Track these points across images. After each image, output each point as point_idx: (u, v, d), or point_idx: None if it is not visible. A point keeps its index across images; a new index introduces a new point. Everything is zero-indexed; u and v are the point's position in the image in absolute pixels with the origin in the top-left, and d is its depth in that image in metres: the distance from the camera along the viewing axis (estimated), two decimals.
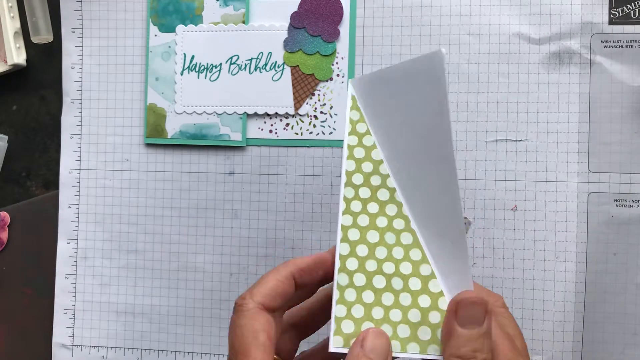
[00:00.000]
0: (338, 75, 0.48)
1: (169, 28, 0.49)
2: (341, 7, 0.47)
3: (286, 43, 0.47)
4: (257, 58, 0.48)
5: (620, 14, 0.46)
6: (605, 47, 0.46)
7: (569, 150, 0.46)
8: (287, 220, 0.50)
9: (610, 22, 0.46)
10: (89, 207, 0.52)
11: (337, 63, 0.47)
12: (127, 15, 0.51)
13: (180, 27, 0.49)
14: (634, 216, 0.46)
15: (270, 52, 0.48)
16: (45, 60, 0.53)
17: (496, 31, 0.47)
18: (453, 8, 0.47)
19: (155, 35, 0.49)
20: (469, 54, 0.47)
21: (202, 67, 0.48)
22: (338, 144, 0.48)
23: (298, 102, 0.47)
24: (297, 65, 0.47)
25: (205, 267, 0.51)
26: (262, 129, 0.48)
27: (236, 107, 0.48)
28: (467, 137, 0.47)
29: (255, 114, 0.48)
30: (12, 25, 0.51)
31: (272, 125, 0.48)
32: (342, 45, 0.47)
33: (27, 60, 0.53)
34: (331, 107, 0.48)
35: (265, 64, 0.48)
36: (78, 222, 0.52)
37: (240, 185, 0.50)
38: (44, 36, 0.52)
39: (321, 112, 0.48)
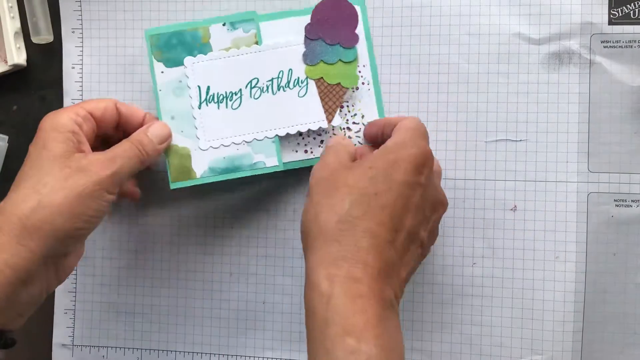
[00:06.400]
0: (364, 83, 0.46)
1: (176, 62, 0.45)
2: (355, 11, 0.45)
3: (305, 57, 0.45)
4: (278, 77, 0.45)
5: (620, 14, 0.46)
6: (605, 47, 0.46)
7: (569, 150, 0.46)
8: (287, 220, 0.50)
9: (610, 22, 0.46)
10: None
11: (360, 72, 0.46)
12: (126, 15, 0.51)
13: (188, 59, 0.45)
14: (633, 216, 0.46)
15: (291, 69, 0.45)
16: (45, 61, 0.53)
17: (496, 31, 0.47)
18: (453, 8, 0.47)
19: (162, 72, 0.45)
20: (468, 54, 0.47)
21: (221, 97, 0.45)
22: None
23: (330, 114, 0.45)
24: (321, 77, 0.45)
25: (205, 267, 0.51)
26: (296, 151, 0.46)
27: (266, 131, 0.45)
28: (467, 137, 0.47)
29: (288, 135, 0.45)
30: (12, 25, 0.51)
31: (306, 144, 0.46)
32: (361, 54, 0.46)
33: (28, 60, 0.53)
34: (362, 117, 0.46)
35: (288, 82, 0.45)
36: None
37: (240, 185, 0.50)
38: (44, 36, 0.52)
39: (354, 123, 0.46)
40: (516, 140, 0.47)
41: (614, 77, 0.46)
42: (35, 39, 0.52)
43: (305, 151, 0.46)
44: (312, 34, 0.45)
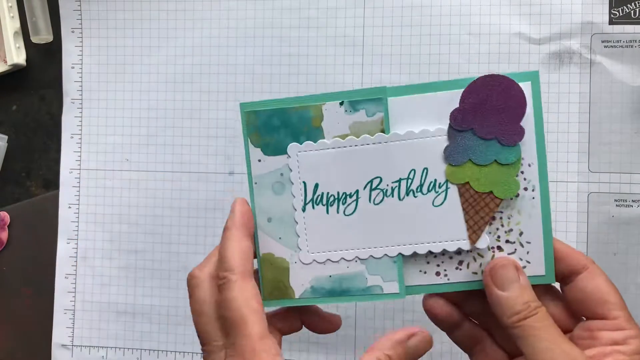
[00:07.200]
0: (526, 189, 0.33)
1: (277, 149, 0.35)
2: (523, 95, 0.33)
3: (448, 153, 0.33)
4: (407, 178, 0.34)
5: (621, 14, 0.46)
6: (605, 47, 0.46)
7: (569, 150, 0.46)
8: None
9: (611, 22, 0.46)
10: (89, 207, 0.52)
11: (522, 173, 0.33)
12: (126, 15, 0.51)
13: (293, 147, 0.35)
14: (634, 216, 0.46)
15: (426, 168, 0.34)
16: (45, 60, 0.53)
17: (496, 31, 0.47)
18: (453, 8, 0.47)
19: (260, 161, 0.35)
20: (469, 54, 0.47)
21: (332, 198, 0.35)
22: (532, 280, 0.33)
23: (474, 232, 0.34)
24: (467, 182, 0.34)
25: None
26: (425, 272, 0.35)
27: (386, 247, 0.35)
28: None
29: (415, 255, 0.34)
30: (12, 25, 0.51)
31: (438, 265, 0.35)
32: (527, 148, 0.33)
33: (27, 60, 0.53)
34: (521, 234, 0.34)
35: (421, 185, 0.34)
36: (78, 222, 0.52)
37: (240, 185, 0.50)
38: (43, 36, 0.52)
39: (507, 242, 0.34)
40: None
41: (615, 77, 0.46)
42: (34, 39, 0.52)
43: (437, 273, 0.35)
44: (460, 122, 0.33)
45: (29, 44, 0.53)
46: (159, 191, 0.51)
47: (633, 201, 0.46)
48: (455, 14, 0.47)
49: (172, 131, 0.51)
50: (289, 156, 0.35)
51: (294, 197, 0.35)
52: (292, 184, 0.35)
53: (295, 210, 0.35)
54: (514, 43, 0.47)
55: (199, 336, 0.33)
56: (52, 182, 0.53)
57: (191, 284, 0.33)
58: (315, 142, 0.34)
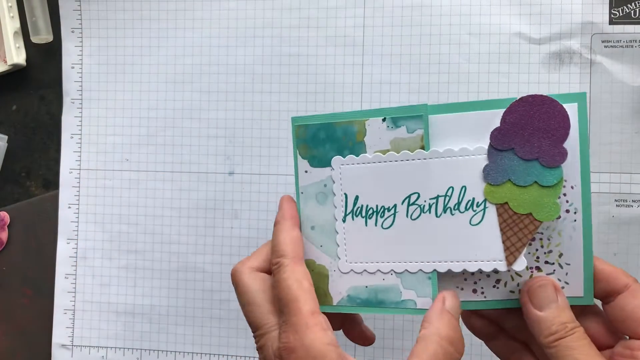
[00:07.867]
0: (568, 211, 0.33)
1: (322, 161, 0.36)
2: (566, 117, 0.32)
3: (487, 173, 0.33)
4: (445, 195, 0.34)
5: (621, 14, 0.46)
6: (605, 47, 0.46)
7: None
8: None
9: (611, 22, 0.46)
10: (89, 207, 0.52)
11: (564, 195, 0.33)
12: (126, 14, 0.51)
13: (337, 160, 0.35)
14: (634, 216, 0.46)
15: (465, 187, 0.34)
16: (45, 60, 0.53)
17: (496, 31, 0.47)
18: (453, 8, 0.47)
19: (306, 172, 0.36)
20: (469, 54, 0.47)
21: (371, 211, 0.35)
22: (571, 301, 0.33)
23: (511, 253, 0.33)
24: (506, 203, 0.33)
25: (205, 267, 0.51)
26: (462, 288, 0.34)
27: (421, 263, 0.34)
28: None
29: (450, 272, 0.34)
30: (11, 25, 0.51)
31: (475, 282, 0.34)
32: (570, 170, 0.32)
33: (27, 60, 0.53)
34: (560, 255, 0.33)
35: (459, 203, 0.34)
36: (78, 222, 0.52)
37: (240, 185, 0.50)
38: (43, 36, 0.52)
39: (546, 262, 0.34)
40: None
41: (615, 77, 0.46)
42: (34, 39, 0.52)
43: (474, 291, 0.34)
44: (500, 142, 0.32)
45: (29, 44, 0.53)
46: (159, 191, 0.51)
47: (633, 201, 0.46)
48: (455, 14, 0.47)
49: (172, 131, 0.51)
50: (333, 168, 0.36)
51: (336, 207, 0.36)
52: (334, 195, 0.36)
53: (336, 220, 0.36)
54: (514, 43, 0.47)
55: (250, 324, 0.34)
56: (51, 182, 0.53)
57: (235, 277, 0.35)
58: (357, 155, 0.35)
